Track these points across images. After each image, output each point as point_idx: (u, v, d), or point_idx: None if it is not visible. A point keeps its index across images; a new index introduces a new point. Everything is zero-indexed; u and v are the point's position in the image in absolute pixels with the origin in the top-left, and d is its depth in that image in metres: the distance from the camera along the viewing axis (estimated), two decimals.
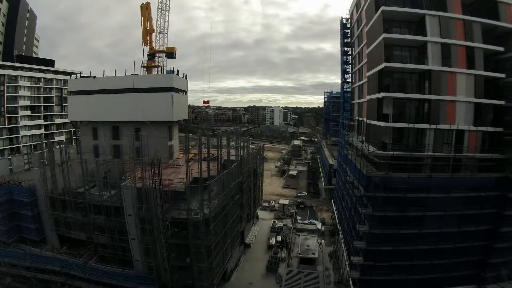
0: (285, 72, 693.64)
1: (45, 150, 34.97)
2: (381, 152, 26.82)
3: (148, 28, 47.09)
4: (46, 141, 40.27)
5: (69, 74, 69.06)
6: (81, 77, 46.63)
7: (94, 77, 44.76)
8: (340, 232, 40.70)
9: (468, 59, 26.52)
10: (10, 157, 50.56)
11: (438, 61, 26.32)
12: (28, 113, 66.45)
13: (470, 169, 26.17)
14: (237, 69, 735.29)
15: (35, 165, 37.14)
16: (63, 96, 71.99)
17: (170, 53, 47.95)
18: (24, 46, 72.10)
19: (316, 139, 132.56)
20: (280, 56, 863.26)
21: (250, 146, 45.00)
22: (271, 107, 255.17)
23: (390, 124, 26.91)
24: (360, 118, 37.25)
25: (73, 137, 73.58)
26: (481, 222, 27.04)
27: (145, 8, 46.80)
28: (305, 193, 71.17)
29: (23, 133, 64.99)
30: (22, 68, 65.14)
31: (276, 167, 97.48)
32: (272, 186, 77.18)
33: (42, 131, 69.03)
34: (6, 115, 61.40)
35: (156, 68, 48.73)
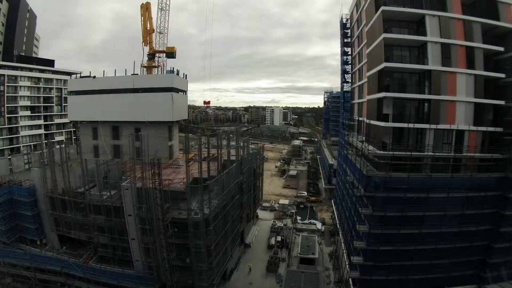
0: (328, 72, 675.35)
1: (45, 150, 34.96)
2: (381, 152, 26.77)
3: (148, 28, 47.14)
4: (46, 141, 40.25)
5: (69, 74, 69.03)
6: (81, 77, 46.65)
7: (94, 77, 44.81)
8: (340, 232, 40.71)
9: (468, 59, 26.49)
10: (10, 157, 50.63)
11: (438, 61, 26.28)
12: (28, 113, 66.47)
13: (470, 169, 26.13)
14: (279, 68, 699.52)
15: (35, 165, 37.20)
16: (63, 96, 72.04)
17: (170, 53, 47.99)
18: (24, 46, 72.10)
19: (316, 139, 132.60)
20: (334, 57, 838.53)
21: (250, 146, 45.02)
22: (271, 107, 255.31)
23: (390, 124, 26.86)
24: (360, 118, 37.21)
25: (73, 137, 73.53)
26: (481, 222, 27.01)
27: (145, 8, 46.83)
28: (305, 193, 71.20)
29: (23, 133, 65.01)
30: (22, 68, 65.14)
31: (276, 167, 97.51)
32: (272, 186, 77.26)
33: (42, 131, 69.06)
34: (6, 115, 61.42)
35: (156, 68, 48.79)
